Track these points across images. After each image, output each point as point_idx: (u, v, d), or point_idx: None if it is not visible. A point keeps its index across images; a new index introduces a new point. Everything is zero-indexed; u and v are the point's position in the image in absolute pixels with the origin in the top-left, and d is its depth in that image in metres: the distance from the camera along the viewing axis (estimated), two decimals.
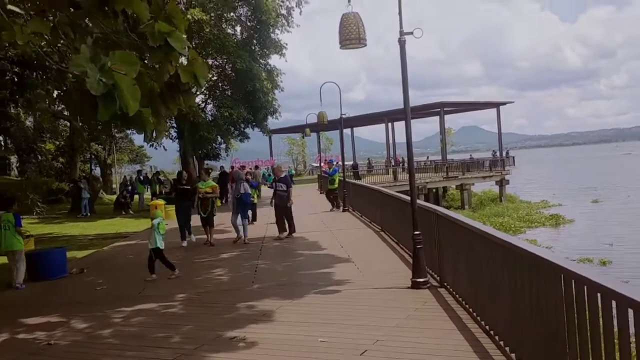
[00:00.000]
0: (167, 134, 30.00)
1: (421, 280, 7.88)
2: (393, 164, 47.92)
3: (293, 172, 54.90)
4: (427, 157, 59.49)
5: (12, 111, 16.01)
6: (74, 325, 7.19)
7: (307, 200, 25.08)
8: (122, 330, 6.77)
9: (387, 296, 7.58)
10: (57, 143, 38.24)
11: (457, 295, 7.10)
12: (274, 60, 69.64)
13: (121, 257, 13.15)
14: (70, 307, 8.35)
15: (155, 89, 5.43)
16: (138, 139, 51.33)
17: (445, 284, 7.73)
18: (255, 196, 17.98)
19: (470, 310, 6.41)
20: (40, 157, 38.18)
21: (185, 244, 13.70)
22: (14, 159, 36.45)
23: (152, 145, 35.16)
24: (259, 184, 24.81)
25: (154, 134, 6.44)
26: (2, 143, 37.61)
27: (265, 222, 17.26)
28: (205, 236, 13.82)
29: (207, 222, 13.66)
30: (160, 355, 5.73)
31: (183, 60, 5.32)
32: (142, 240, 16.24)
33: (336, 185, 21.33)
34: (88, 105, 4.42)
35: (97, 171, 47.48)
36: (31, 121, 37.49)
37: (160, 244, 9.93)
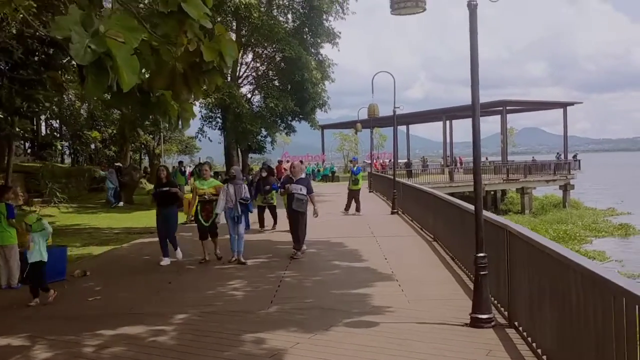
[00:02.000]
0: (212, 124, 28.86)
1: (484, 316, 5.99)
2: (454, 163, 45.42)
3: (335, 168, 52.26)
4: (486, 158, 56.66)
5: (40, 95, 14.76)
6: (34, 355, 5.66)
7: None
8: None
9: (438, 338, 5.72)
10: (109, 131, 37.83)
11: (534, 345, 5.19)
12: (327, 50, 67.57)
13: (136, 258, 11.70)
14: (48, 324, 6.85)
15: (177, 69, 4.60)
16: (188, 129, 50.64)
17: (517, 324, 5.82)
18: (274, 197, 15.09)
19: None
20: (93, 146, 37.94)
21: (166, 262, 10.36)
22: (61, 146, 35.99)
23: (196, 137, 34.29)
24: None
25: (180, 122, 5.48)
26: (49, 130, 37.46)
27: None
28: (202, 252, 10.62)
29: (210, 233, 10.56)
30: None
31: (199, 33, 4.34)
32: None
33: (359, 186, 18.99)
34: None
35: (147, 161, 47.08)
36: (84, 109, 37.22)
37: (45, 256, 8.08)
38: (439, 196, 11.80)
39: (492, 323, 6.00)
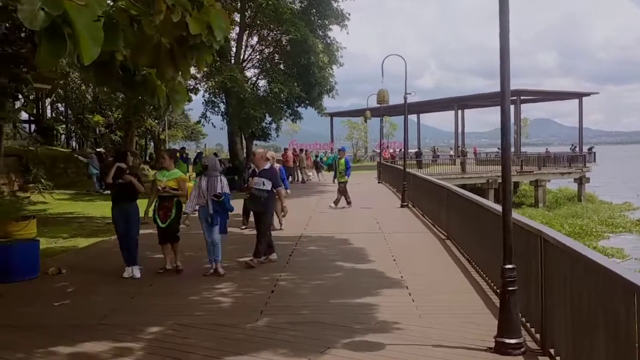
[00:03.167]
0: (214, 109, 27.86)
1: (512, 342, 4.96)
2: (464, 154, 44.14)
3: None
4: (498, 149, 55.44)
5: (29, 75, 13.79)
6: None
7: (363, 191, 22.23)
8: None
9: None
10: (115, 116, 37.01)
11: None
12: (335, 33, 65.55)
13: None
14: (1, 335, 5.89)
15: (163, 45, 4.22)
16: (194, 115, 49.69)
17: (553, 352, 4.80)
18: None
19: None
20: (98, 130, 37.09)
21: (127, 274, 8.34)
22: (62, 130, 35.08)
23: (199, 122, 33.29)
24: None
25: (170, 105, 5.10)
26: (54, 113, 36.60)
27: (307, 216, 14.64)
28: (164, 259, 8.75)
29: (169, 237, 8.63)
30: None
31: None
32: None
33: (347, 179, 17.41)
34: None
35: (152, 146, 46.30)
36: (90, 92, 36.40)
37: None
38: (453, 190, 10.73)
39: (522, 349, 4.97)
